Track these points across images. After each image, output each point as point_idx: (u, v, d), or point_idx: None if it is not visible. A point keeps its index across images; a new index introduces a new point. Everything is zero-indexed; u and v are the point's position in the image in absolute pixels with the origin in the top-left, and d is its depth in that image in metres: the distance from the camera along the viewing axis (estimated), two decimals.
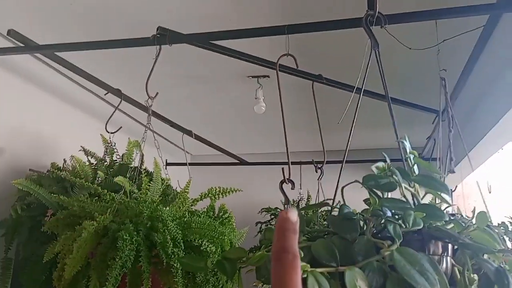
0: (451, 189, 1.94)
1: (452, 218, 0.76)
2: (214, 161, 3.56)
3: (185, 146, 2.67)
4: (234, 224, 1.49)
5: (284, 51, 1.50)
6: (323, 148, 2.04)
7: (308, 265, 0.59)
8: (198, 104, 2.88)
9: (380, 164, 0.74)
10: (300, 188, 2.83)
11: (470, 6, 1.34)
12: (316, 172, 2.30)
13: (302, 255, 0.63)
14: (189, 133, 2.69)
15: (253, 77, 2.39)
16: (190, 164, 3.24)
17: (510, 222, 1.79)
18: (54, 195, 1.46)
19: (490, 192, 2.87)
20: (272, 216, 3.01)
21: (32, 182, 1.62)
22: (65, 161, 1.95)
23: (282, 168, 1.23)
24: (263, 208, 3.07)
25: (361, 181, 0.75)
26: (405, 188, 0.72)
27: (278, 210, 3.08)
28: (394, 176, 0.72)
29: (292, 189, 1.26)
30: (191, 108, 2.94)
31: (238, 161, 3.32)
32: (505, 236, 1.74)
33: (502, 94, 1.89)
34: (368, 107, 2.55)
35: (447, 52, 1.69)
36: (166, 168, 2.82)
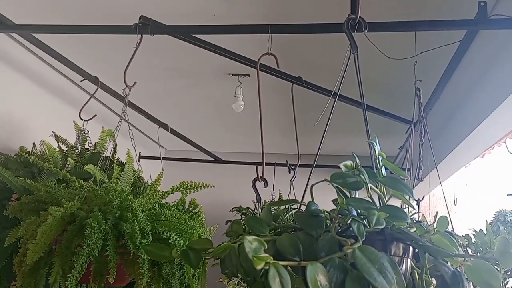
0: (418, 199, 1.99)
1: (415, 222, 0.78)
2: (189, 157, 3.55)
3: (160, 140, 2.65)
4: (203, 219, 1.48)
5: (266, 52, 1.51)
6: (298, 150, 2.06)
7: (271, 257, 0.60)
8: (176, 98, 2.86)
9: (349, 162, 0.76)
10: (273, 189, 2.84)
11: (448, 20, 1.38)
12: (290, 173, 2.32)
13: (266, 248, 0.63)
14: (165, 126, 2.67)
15: (233, 74, 2.40)
16: (164, 158, 3.21)
17: (474, 235, 1.86)
18: (21, 178, 1.42)
19: (456, 205, 2.95)
20: (243, 216, 3.02)
21: None
22: (34, 145, 1.90)
23: (256, 166, 1.24)
24: (234, 207, 3.07)
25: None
26: (371, 188, 0.74)
27: (249, 210, 3.09)
28: (361, 176, 0.73)
29: (264, 187, 1.27)
30: (168, 101, 2.92)
31: (213, 159, 3.32)
32: (468, 248, 1.80)
33: (473, 109, 1.95)
34: (344, 113, 2.59)
35: (424, 63, 1.74)
36: (139, 161, 2.79)
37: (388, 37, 1.76)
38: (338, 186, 0.75)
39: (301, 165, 2.14)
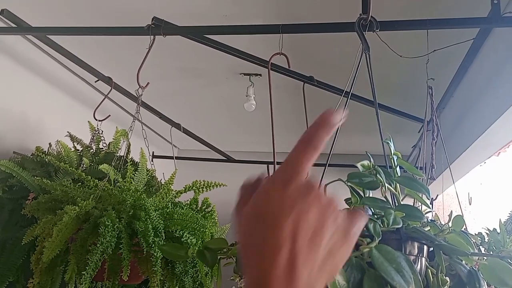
0: (432, 198, 1.97)
1: (430, 221, 0.77)
2: (201, 156, 3.56)
3: (173, 140, 2.67)
4: (216, 218, 1.49)
5: (277, 51, 1.51)
6: None
7: None
8: (189, 98, 2.88)
9: (366, 162, 0.76)
10: None
11: (461, 18, 1.37)
12: None
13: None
14: (177, 126, 2.69)
15: (245, 74, 2.40)
16: (177, 158, 3.23)
17: (487, 233, 1.84)
18: (37, 178, 1.45)
19: (470, 204, 2.92)
20: None
21: (15, 165, 1.60)
22: (50, 145, 1.93)
23: (267, 166, 1.25)
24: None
25: (344, 180, 0.77)
26: (388, 187, 0.74)
27: None
28: (378, 176, 0.73)
29: None
30: (181, 101, 2.94)
31: (225, 158, 3.33)
32: (481, 247, 1.78)
33: (487, 107, 1.92)
34: (356, 112, 2.57)
35: (437, 62, 1.72)
36: (152, 160, 2.82)
37: (401, 36, 1.75)
38: (353, 185, 0.75)
39: (314, 164, 2.13)
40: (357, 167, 0.78)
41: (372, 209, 0.74)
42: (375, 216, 0.75)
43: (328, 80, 2.19)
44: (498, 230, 1.76)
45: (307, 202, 0.36)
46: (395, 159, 0.79)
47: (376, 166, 0.73)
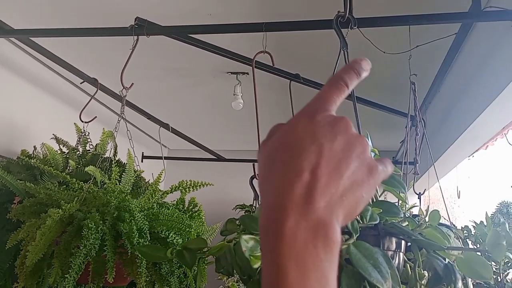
0: (420, 192, 1.99)
1: (407, 216, 0.78)
2: (192, 156, 3.55)
3: (162, 140, 2.66)
4: (203, 218, 1.49)
5: (261, 50, 1.51)
6: None
7: None
8: (177, 97, 2.87)
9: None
10: None
11: (441, 13, 1.38)
12: None
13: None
14: (166, 126, 2.68)
15: (232, 73, 2.40)
16: (167, 158, 3.22)
17: (474, 226, 1.85)
18: (21, 181, 1.44)
19: (459, 197, 2.93)
20: (247, 213, 3.03)
21: (0, 168, 1.59)
22: (35, 148, 1.92)
23: (253, 164, 1.25)
24: (237, 205, 3.08)
25: None
26: None
27: (254, 207, 3.10)
28: None
29: None
30: (169, 101, 2.93)
31: (215, 157, 3.33)
32: (467, 240, 1.80)
33: (472, 101, 1.94)
34: (343, 110, 2.58)
35: (422, 57, 1.73)
36: (142, 161, 2.81)
37: (385, 32, 1.75)
38: None
39: None
40: None
41: None
42: None
43: (315, 77, 2.19)
44: (485, 223, 1.78)
45: (333, 131, 0.36)
46: (372, 156, 0.79)
47: None
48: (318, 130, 0.35)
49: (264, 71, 2.06)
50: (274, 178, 0.34)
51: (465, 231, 1.76)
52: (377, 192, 0.79)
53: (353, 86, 0.39)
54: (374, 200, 0.78)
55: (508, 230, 0.83)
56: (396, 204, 0.73)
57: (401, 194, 0.75)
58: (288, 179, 0.33)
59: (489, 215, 1.99)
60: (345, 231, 0.73)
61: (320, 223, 0.33)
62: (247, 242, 0.62)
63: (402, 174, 1.50)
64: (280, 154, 0.35)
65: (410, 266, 0.74)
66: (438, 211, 0.75)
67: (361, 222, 0.75)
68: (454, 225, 1.60)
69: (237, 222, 0.81)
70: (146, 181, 1.91)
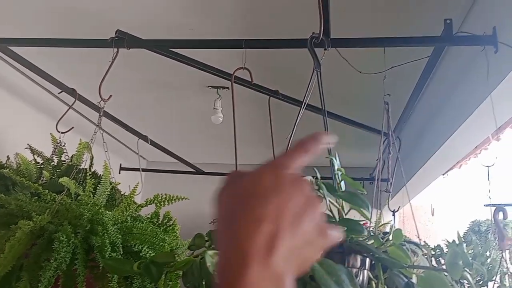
0: (394, 210, 2.03)
1: (372, 234, 0.80)
2: (171, 168, 3.54)
3: (141, 152, 2.65)
4: (177, 232, 1.49)
5: (241, 66, 1.53)
6: None
7: None
8: (156, 110, 2.87)
9: (309, 177, 0.78)
10: None
11: (415, 37, 1.43)
12: None
13: None
14: (144, 138, 2.67)
15: (212, 87, 2.42)
16: (145, 170, 3.20)
17: (446, 245, 1.89)
18: None
19: (433, 215, 2.99)
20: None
21: None
22: (8, 158, 1.88)
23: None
24: (215, 219, 3.06)
25: None
26: (330, 202, 0.76)
27: None
28: (320, 190, 0.75)
29: None
30: (149, 113, 2.93)
31: (194, 170, 3.32)
32: (440, 258, 1.83)
33: (444, 122, 2.00)
34: (319, 127, 2.62)
35: (397, 77, 1.78)
36: (120, 172, 2.78)
37: (362, 52, 1.80)
38: None
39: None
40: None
41: None
42: None
43: (294, 93, 2.22)
44: (457, 242, 1.82)
45: (296, 188, 0.38)
46: (339, 175, 0.82)
47: (319, 182, 0.76)
48: (283, 185, 0.37)
49: (244, 86, 2.08)
50: (237, 225, 0.36)
51: (437, 250, 1.80)
52: (343, 210, 0.81)
53: (313, 153, 0.41)
54: (340, 218, 0.80)
55: (465, 250, 0.86)
56: (361, 222, 0.75)
57: (365, 212, 0.77)
58: (252, 227, 0.35)
59: (462, 234, 2.04)
60: None
61: (280, 274, 0.34)
62: (212, 257, 0.63)
63: (377, 190, 1.54)
64: (244, 201, 0.37)
65: (375, 284, 0.76)
66: (401, 230, 0.77)
67: None
68: (425, 243, 1.63)
69: (206, 237, 0.82)
70: (122, 193, 1.89)
